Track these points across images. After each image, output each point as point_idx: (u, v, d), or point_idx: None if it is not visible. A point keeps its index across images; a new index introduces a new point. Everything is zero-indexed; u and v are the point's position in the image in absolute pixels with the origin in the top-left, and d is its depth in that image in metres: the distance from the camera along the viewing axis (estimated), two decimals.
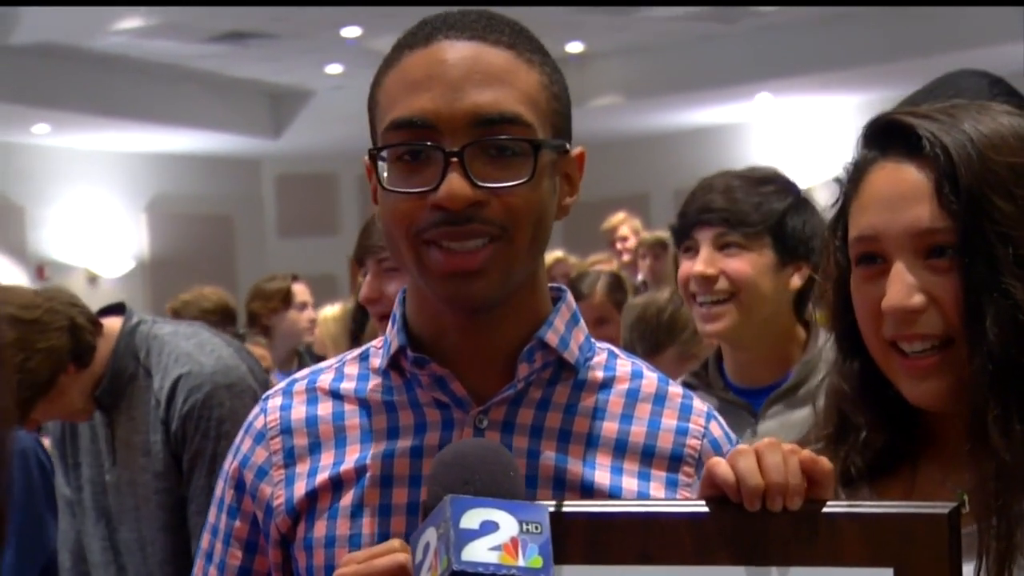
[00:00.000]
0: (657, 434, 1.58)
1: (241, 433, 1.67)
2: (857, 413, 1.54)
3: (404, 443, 1.57)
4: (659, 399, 1.61)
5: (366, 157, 1.54)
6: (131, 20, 11.22)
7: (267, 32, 11.95)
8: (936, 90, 2.36)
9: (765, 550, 1.31)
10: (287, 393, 1.66)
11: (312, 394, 1.64)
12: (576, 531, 1.31)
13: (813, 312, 2.65)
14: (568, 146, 1.57)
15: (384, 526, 1.53)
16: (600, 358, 1.63)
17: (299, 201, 16.63)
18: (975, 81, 2.43)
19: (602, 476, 1.55)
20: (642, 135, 15.06)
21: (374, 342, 1.67)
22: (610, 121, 13.95)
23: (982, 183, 1.43)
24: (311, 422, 1.62)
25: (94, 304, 2.97)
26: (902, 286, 1.45)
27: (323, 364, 1.69)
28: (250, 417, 1.68)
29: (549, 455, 1.55)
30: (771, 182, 2.71)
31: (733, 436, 1.65)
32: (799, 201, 2.69)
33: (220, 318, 5.91)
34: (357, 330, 4.28)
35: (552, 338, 1.57)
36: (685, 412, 1.61)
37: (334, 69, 13.48)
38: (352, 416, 1.61)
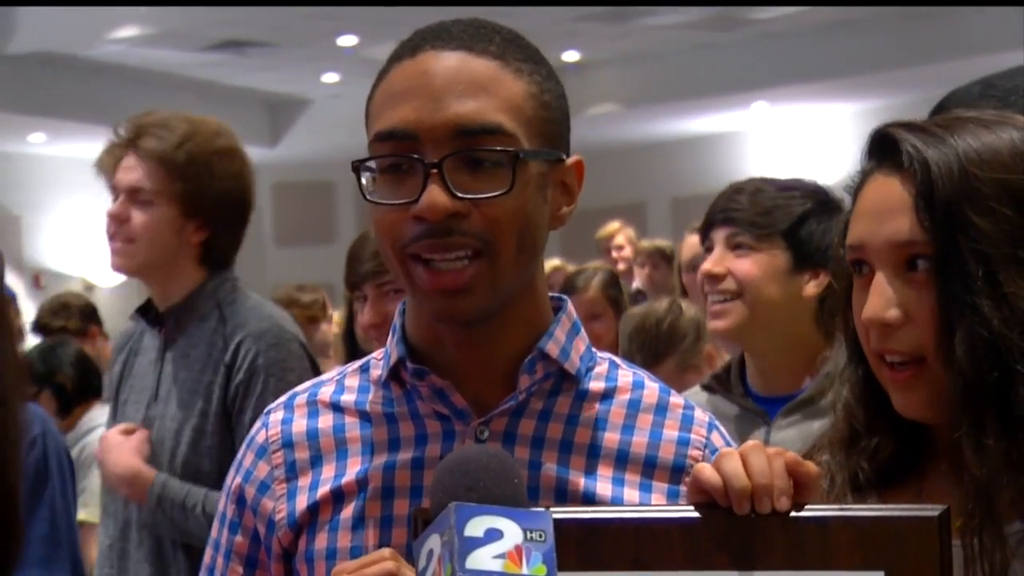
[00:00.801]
0: (659, 445, 1.58)
1: (243, 448, 1.67)
2: (864, 420, 1.55)
3: (405, 455, 1.56)
4: (660, 409, 1.60)
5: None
6: (128, 29, 11.23)
7: (264, 41, 11.97)
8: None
9: (756, 554, 1.32)
10: (288, 407, 1.66)
11: (313, 407, 1.64)
12: (569, 537, 1.31)
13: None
14: (564, 156, 1.56)
15: (385, 538, 1.53)
16: (601, 368, 1.62)
17: (296, 210, 16.63)
18: None
19: (603, 487, 1.55)
20: (639, 144, 15.07)
21: (375, 354, 1.67)
22: (607, 129, 13.96)
23: (961, 199, 1.43)
24: (312, 435, 1.61)
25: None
26: (879, 298, 1.47)
27: (325, 376, 1.69)
28: (252, 431, 1.67)
29: (551, 466, 1.55)
30: (797, 188, 2.73)
31: (735, 446, 1.64)
32: (821, 207, 2.69)
33: None
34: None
35: (553, 349, 1.57)
36: (687, 423, 1.60)
37: (331, 78, 13.50)
38: (353, 428, 1.60)
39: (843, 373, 1.59)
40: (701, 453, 1.58)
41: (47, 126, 12.84)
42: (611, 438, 1.57)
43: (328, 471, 1.59)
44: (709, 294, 2.72)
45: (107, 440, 3.02)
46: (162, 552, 2.97)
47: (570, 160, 1.58)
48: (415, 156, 1.48)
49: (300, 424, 1.63)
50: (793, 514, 1.33)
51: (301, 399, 1.66)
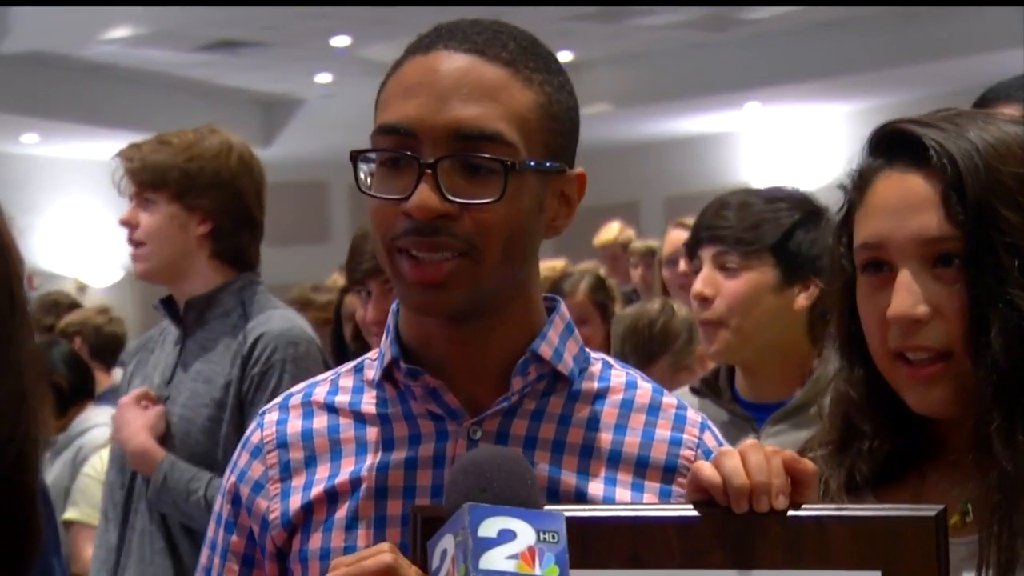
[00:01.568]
0: (651, 445, 1.58)
1: (239, 448, 1.67)
2: (863, 421, 1.55)
3: (398, 455, 1.57)
4: (653, 409, 1.61)
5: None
6: (121, 29, 11.22)
7: (257, 41, 11.96)
8: None
9: (753, 553, 1.33)
10: (283, 407, 1.66)
11: (307, 408, 1.64)
12: (567, 535, 1.32)
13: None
14: (566, 167, 1.57)
15: (379, 538, 1.53)
16: (595, 368, 1.63)
17: (289, 209, 16.54)
18: None
19: (596, 487, 1.55)
20: (632, 143, 15.06)
21: (369, 354, 1.68)
22: (600, 129, 13.94)
23: (989, 193, 1.44)
24: (306, 436, 1.62)
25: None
26: (907, 294, 1.46)
27: (319, 377, 1.70)
28: (247, 432, 1.68)
29: (543, 466, 1.55)
30: (784, 199, 2.71)
31: (727, 446, 1.65)
32: (808, 218, 2.67)
33: None
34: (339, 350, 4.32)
35: (546, 350, 1.57)
36: (679, 423, 1.61)
37: (324, 78, 13.50)
38: (347, 429, 1.61)
39: (839, 374, 1.59)
40: (693, 453, 1.59)
41: (40, 126, 12.83)
42: (604, 438, 1.58)
43: (322, 471, 1.59)
44: (698, 315, 2.72)
45: (122, 410, 3.07)
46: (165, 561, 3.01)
47: (572, 172, 1.59)
48: (412, 154, 1.49)
49: (295, 425, 1.63)
50: (791, 513, 1.33)
51: (296, 400, 1.66)
